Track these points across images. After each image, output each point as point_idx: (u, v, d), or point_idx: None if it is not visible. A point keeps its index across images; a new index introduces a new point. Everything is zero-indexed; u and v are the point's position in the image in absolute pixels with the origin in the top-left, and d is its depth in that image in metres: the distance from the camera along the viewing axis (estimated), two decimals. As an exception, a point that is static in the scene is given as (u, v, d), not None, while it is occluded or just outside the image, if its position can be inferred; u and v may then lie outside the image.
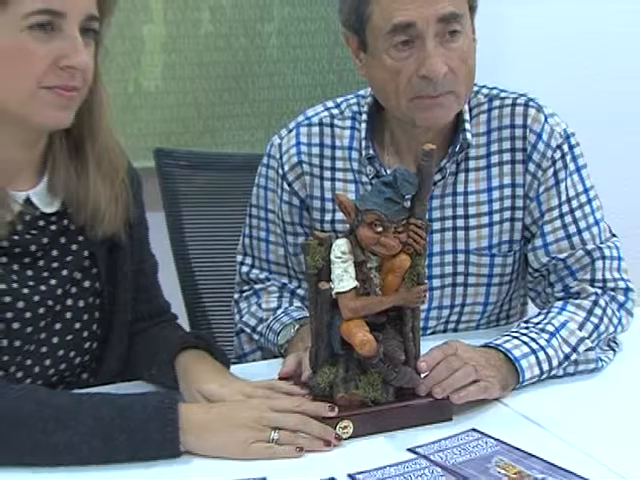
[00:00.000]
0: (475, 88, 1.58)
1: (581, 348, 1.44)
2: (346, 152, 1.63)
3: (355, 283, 1.22)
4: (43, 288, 1.37)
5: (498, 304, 1.65)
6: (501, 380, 1.34)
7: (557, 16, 2.84)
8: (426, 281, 1.28)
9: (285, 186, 1.65)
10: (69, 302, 1.40)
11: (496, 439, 1.22)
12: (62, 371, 1.41)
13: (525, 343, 1.40)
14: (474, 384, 1.29)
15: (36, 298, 1.35)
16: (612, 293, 1.54)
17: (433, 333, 1.63)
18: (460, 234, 1.59)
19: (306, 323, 1.49)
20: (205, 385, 1.31)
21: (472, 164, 1.58)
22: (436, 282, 1.60)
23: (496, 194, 1.58)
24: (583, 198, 1.57)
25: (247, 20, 2.63)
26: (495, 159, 1.58)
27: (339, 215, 1.52)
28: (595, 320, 1.49)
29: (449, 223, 1.59)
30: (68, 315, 1.40)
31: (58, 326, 1.39)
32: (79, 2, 1.27)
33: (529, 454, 1.17)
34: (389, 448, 1.21)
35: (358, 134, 1.61)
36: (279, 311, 1.64)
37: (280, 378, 1.38)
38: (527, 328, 1.44)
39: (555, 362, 1.41)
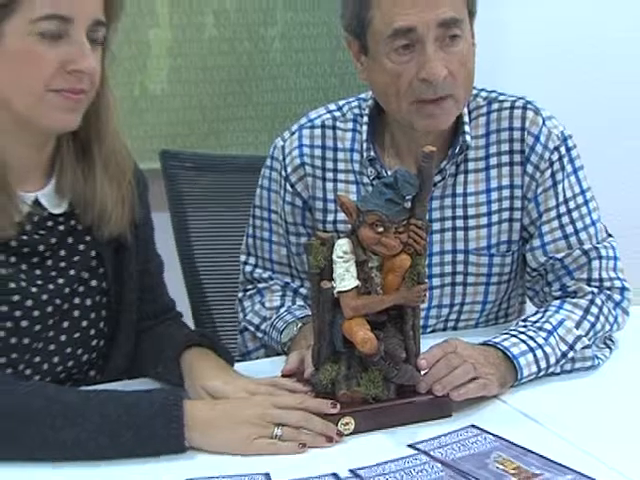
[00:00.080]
0: (474, 91, 1.58)
1: (578, 346, 1.44)
2: (348, 154, 1.63)
3: (357, 282, 1.23)
4: (51, 287, 1.37)
5: (497, 303, 1.65)
6: (500, 377, 1.34)
7: (556, 21, 2.83)
8: (426, 280, 1.28)
9: (288, 187, 1.65)
10: (76, 301, 1.41)
11: (495, 435, 1.22)
12: (70, 368, 1.41)
13: (523, 341, 1.40)
14: (473, 381, 1.29)
15: (44, 297, 1.35)
16: (608, 292, 1.54)
17: (433, 331, 1.63)
18: (459, 234, 1.59)
19: (308, 321, 1.49)
20: (209, 382, 1.31)
21: (471, 166, 1.58)
22: (436, 281, 1.60)
23: (495, 195, 1.58)
24: (580, 199, 1.57)
25: (251, 24, 2.63)
26: (494, 161, 1.58)
27: (341, 215, 1.52)
28: (592, 319, 1.49)
29: (449, 223, 1.59)
30: (76, 313, 1.40)
31: (66, 324, 1.39)
32: (86, 8, 1.27)
33: (527, 450, 1.17)
34: (390, 444, 1.21)
35: (359, 136, 1.62)
36: (282, 310, 1.64)
37: (283, 375, 1.37)
38: (525, 326, 1.44)
39: (553, 360, 1.41)
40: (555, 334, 1.43)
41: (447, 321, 1.65)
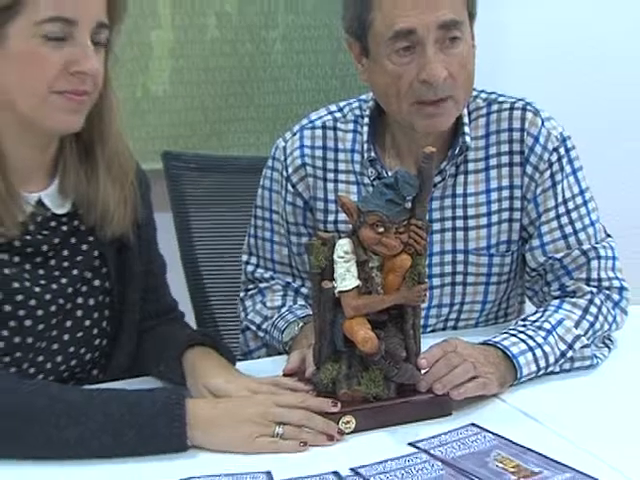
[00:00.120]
0: (474, 93, 1.58)
1: (577, 345, 1.44)
2: (348, 155, 1.63)
3: (357, 282, 1.22)
4: (54, 287, 1.37)
5: (496, 302, 1.65)
6: (499, 377, 1.34)
7: (555, 23, 2.82)
8: (426, 280, 1.28)
9: (289, 187, 1.65)
10: (79, 300, 1.41)
11: (494, 434, 1.22)
12: (73, 367, 1.41)
13: (523, 340, 1.40)
14: (473, 380, 1.29)
15: (48, 296, 1.35)
16: (607, 292, 1.54)
17: (433, 331, 1.63)
18: (459, 234, 1.59)
19: (310, 321, 1.49)
20: (212, 381, 1.31)
21: (471, 166, 1.58)
22: (436, 281, 1.60)
23: (494, 196, 1.58)
24: (579, 200, 1.57)
25: (252, 26, 2.63)
26: (493, 162, 1.58)
27: (342, 216, 1.52)
28: (590, 318, 1.49)
29: (449, 224, 1.59)
30: (79, 313, 1.40)
31: (69, 324, 1.39)
32: (90, 10, 1.27)
33: (526, 448, 1.17)
34: (390, 442, 1.21)
35: (360, 137, 1.62)
36: (283, 309, 1.64)
37: (284, 374, 1.37)
38: (524, 326, 1.44)
39: (552, 359, 1.41)
40: (554, 333, 1.43)
41: (447, 320, 1.65)
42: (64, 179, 1.38)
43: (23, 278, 1.33)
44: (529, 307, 1.67)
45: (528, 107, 1.57)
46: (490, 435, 1.21)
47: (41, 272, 1.36)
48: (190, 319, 1.78)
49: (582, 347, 1.45)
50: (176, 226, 2.02)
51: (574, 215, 1.56)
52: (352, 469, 1.14)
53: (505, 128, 1.57)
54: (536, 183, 1.56)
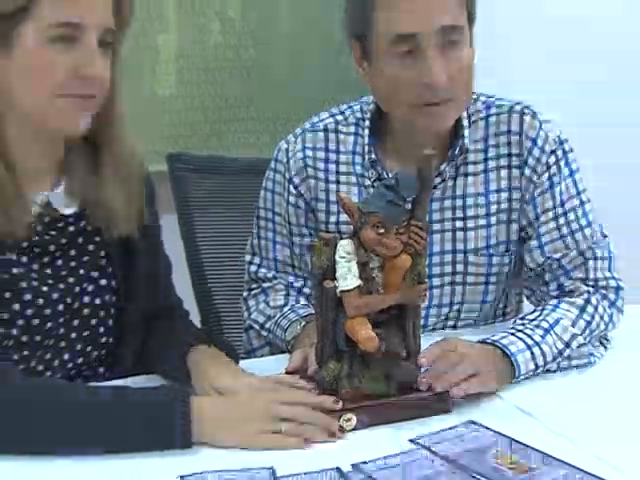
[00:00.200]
0: (473, 96, 1.58)
1: (574, 344, 1.44)
2: (350, 157, 1.63)
3: (359, 282, 1.23)
4: (62, 286, 1.37)
5: (495, 302, 1.65)
6: (498, 374, 1.34)
7: (554, 25, 2.82)
8: (426, 280, 1.28)
9: (291, 189, 1.65)
10: (86, 299, 1.41)
11: (493, 430, 1.22)
12: (80, 365, 1.41)
13: (521, 339, 1.40)
14: (472, 378, 1.29)
15: (55, 296, 1.36)
16: (604, 291, 1.54)
17: (433, 330, 1.63)
18: (459, 235, 1.59)
19: (312, 320, 1.48)
20: (216, 379, 1.31)
21: (470, 168, 1.58)
22: (436, 281, 1.60)
23: (493, 197, 1.58)
24: (576, 201, 1.57)
25: (255, 30, 2.63)
26: (492, 164, 1.58)
27: (343, 217, 1.52)
28: (587, 317, 1.49)
29: (448, 224, 1.59)
30: (85, 312, 1.41)
31: (76, 322, 1.39)
32: (98, 15, 1.27)
33: (524, 445, 1.17)
34: (391, 439, 1.21)
35: (361, 139, 1.62)
36: (286, 308, 1.64)
37: (287, 372, 1.38)
38: (523, 325, 1.44)
39: (549, 357, 1.41)
40: (552, 332, 1.43)
41: (447, 320, 1.65)
42: (71, 180, 1.38)
43: (31, 277, 1.33)
44: (527, 306, 1.66)
45: (526, 110, 1.58)
46: (489, 432, 1.21)
47: (48, 272, 1.36)
48: (195, 318, 1.78)
49: (579, 346, 1.45)
50: (181, 227, 2.02)
51: (571, 216, 1.56)
52: (354, 465, 1.13)
53: (504, 131, 1.57)
54: (534, 185, 1.56)
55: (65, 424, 1.17)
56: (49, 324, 1.35)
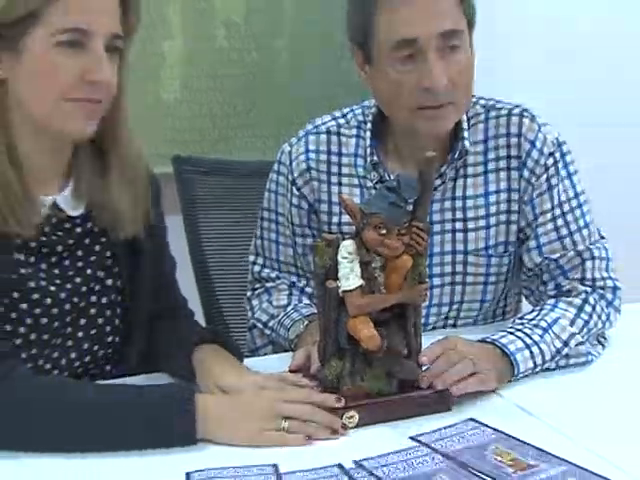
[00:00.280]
0: (473, 99, 1.58)
1: (572, 343, 1.44)
2: (352, 159, 1.63)
3: (361, 282, 1.22)
4: (69, 286, 1.37)
5: (494, 301, 1.65)
6: (497, 373, 1.33)
7: (553, 28, 2.81)
8: (427, 280, 1.28)
9: (294, 191, 1.65)
10: (93, 299, 1.41)
11: (492, 428, 1.22)
12: (86, 363, 1.41)
13: (520, 338, 1.39)
14: (472, 377, 1.29)
15: (62, 295, 1.36)
16: (601, 291, 1.54)
17: (433, 329, 1.63)
18: (459, 236, 1.59)
19: (314, 319, 1.48)
20: (220, 377, 1.31)
21: (470, 170, 1.58)
22: (436, 281, 1.60)
23: (493, 198, 1.58)
24: (574, 202, 1.56)
25: (259, 36, 2.63)
26: (492, 166, 1.58)
27: (345, 218, 1.52)
28: (585, 317, 1.48)
29: (448, 225, 1.59)
30: (92, 311, 1.40)
31: (83, 321, 1.39)
32: (105, 22, 1.27)
33: (523, 442, 1.17)
34: (392, 436, 1.21)
35: (363, 142, 1.61)
36: (289, 308, 1.64)
37: (290, 371, 1.37)
38: (522, 324, 1.44)
39: (548, 356, 1.41)
40: (550, 331, 1.43)
41: (447, 319, 1.64)
42: (78, 183, 1.38)
43: (39, 277, 1.33)
44: (526, 306, 1.66)
45: (525, 113, 1.57)
46: (488, 429, 1.21)
47: (56, 272, 1.36)
48: (199, 317, 1.78)
49: (577, 344, 1.45)
50: (186, 228, 2.02)
51: (569, 217, 1.55)
52: (355, 462, 1.13)
53: (503, 133, 1.57)
54: (533, 186, 1.56)
55: (71, 422, 1.17)
56: (56, 323, 1.35)
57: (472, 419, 1.25)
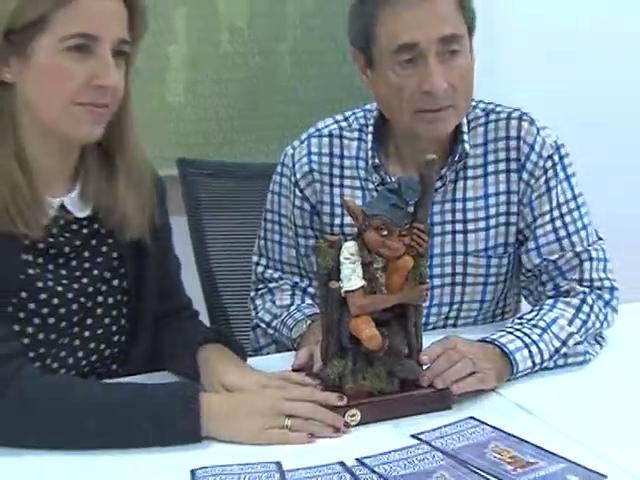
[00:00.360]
0: (473, 103, 1.58)
1: (570, 342, 1.44)
2: (354, 161, 1.63)
3: (362, 282, 1.22)
4: (76, 286, 1.37)
5: (494, 302, 1.65)
6: (497, 372, 1.33)
7: (553, 28, 2.80)
8: (427, 280, 1.28)
9: (297, 192, 1.65)
10: (99, 299, 1.41)
11: (492, 426, 1.21)
12: (93, 362, 1.41)
13: (519, 338, 1.39)
14: (472, 376, 1.29)
15: (69, 295, 1.36)
16: (599, 292, 1.54)
17: (434, 328, 1.63)
18: (459, 237, 1.58)
19: (317, 319, 1.48)
20: (224, 376, 1.31)
21: (470, 173, 1.58)
22: (437, 281, 1.59)
23: (492, 200, 1.57)
24: (572, 204, 1.56)
25: (262, 40, 2.63)
26: (491, 168, 1.57)
27: (347, 219, 1.52)
28: (583, 317, 1.48)
29: (449, 227, 1.58)
30: (98, 311, 1.40)
31: (89, 321, 1.39)
32: (112, 27, 1.27)
33: (522, 440, 1.17)
34: (394, 434, 1.21)
35: (365, 145, 1.61)
36: (292, 308, 1.64)
37: (293, 370, 1.37)
38: (521, 324, 1.44)
39: (546, 355, 1.40)
40: (549, 331, 1.43)
41: (447, 319, 1.64)
42: (85, 185, 1.38)
43: (46, 278, 1.33)
44: (525, 306, 1.66)
45: (524, 117, 1.57)
46: (488, 427, 1.21)
47: (63, 272, 1.36)
48: (203, 317, 1.77)
49: (575, 344, 1.45)
50: (190, 229, 2.02)
51: (567, 219, 1.55)
52: (357, 459, 1.13)
53: (502, 137, 1.57)
54: (532, 189, 1.55)
55: (78, 420, 1.17)
56: (64, 323, 1.35)
57: (472, 417, 1.25)
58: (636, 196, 2.92)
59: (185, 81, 2.58)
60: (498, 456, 1.13)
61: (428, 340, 1.33)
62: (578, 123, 2.66)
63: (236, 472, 1.10)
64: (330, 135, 1.64)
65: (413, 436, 1.20)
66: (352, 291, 1.22)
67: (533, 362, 1.39)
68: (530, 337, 1.40)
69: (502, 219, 1.58)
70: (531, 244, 1.56)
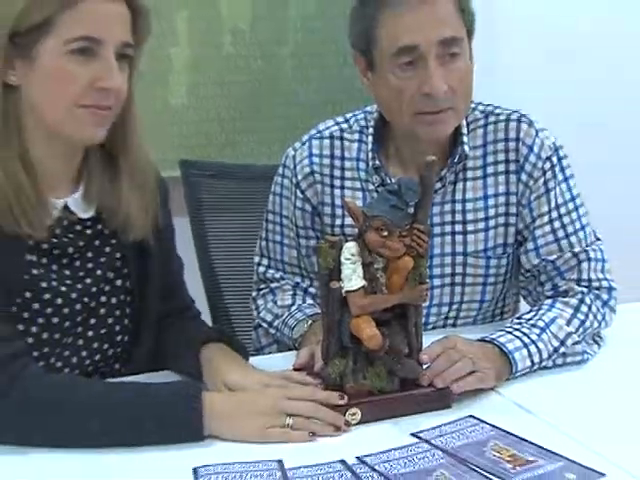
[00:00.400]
0: (472, 105, 1.58)
1: (569, 342, 1.44)
2: (354, 163, 1.63)
3: (363, 282, 1.22)
4: (79, 286, 1.37)
5: (493, 302, 1.65)
6: (496, 371, 1.33)
7: (553, 28, 2.80)
8: (427, 281, 1.28)
9: (298, 194, 1.65)
10: (103, 299, 1.41)
11: (491, 425, 1.21)
12: (97, 361, 1.41)
13: (518, 337, 1.39)
14: (471, 375, 1.29)
15: (73, 295, 1.36)
16: (597, 292, 1.54)
17: (434, 328, 1.63)
18: (458, 238, 1.58)
19: (318, 319, 1.48)
20: (227, 375, 1.31)
21: (469, 174, 1.58)
22: (436, 282, 1.59)
23: (491, 202, 1.58)
24: (570, 205, 1.56)
25: (264, 43, 2.63)
26: (490, 170, 1.58)
27: (348, 220, 1.52)
28: (581, 316, 1.48)
29: (448, 228, 1.58)
30: (102, 311, 1.41)
31: (93, 321, 1.39)
32: (116, 31, 1.27)
33: (521, 438, 1.17)
34: (394, 433, 1.21)
35: (365, 146, 1.61)
36: (293, 308, 1.64)
37: (295, 369, 1.37)
38: (520, 324, 1.44)
39: (545, 355, 1.41)
40: (547, 331, 1.43)
41: (447, 319, 1.64)
42: (89, 186, 1.38)
43: (50, 278, 1.33)
44: (524, 306, 1.66)
45: (523, 119, 1.57)
46: (487, 426, 1.21)
47: (67, 272, 1.36)
48: (206, 317, 1.78)
49: (573, 343, 1.45)
50: (193, 230, 2.02)
51: (566, 220, 1.55)
52: (358, 458, 1.13)
53: (501, 138, 1.57)
54: (530, 190, 1.56)
55: (81, 419, 1.17)
56: (67, 323, 1.35)
57: (471, 416, 1.25)
58: (636, 196, 2.91)
59: (188, 83, 2.58)
60: (497, 454, 1.13)
61: (428, 340, 1.33)
62: (578, 123, 2.66)
63: (238, 470, 1.10)
64: (331, 137, 1.64)
65: (413, 434, 1.20)
66: (353, 291, 1.22)
67: (532, 361, 1.39)
68: (529, 337, 1.40)
69: (501, 220, 1.58)
70: (530, 245, 1.56)
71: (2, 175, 1.26)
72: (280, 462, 1.12)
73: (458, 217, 1.58)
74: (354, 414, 1.23)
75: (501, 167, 1.57)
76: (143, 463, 1.14)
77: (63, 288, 1.35)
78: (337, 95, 2.65)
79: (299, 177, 1.64)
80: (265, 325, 1.69)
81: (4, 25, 1.24)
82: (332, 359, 1.27)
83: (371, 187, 1.60)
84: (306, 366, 1.36)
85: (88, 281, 1.38)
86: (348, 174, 1.63)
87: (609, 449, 1.14)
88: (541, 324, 1.44)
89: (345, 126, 1.65)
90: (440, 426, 1.22)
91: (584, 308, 1.49)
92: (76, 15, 1.24)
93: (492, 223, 1.58)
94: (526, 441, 1.16)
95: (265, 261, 1.73)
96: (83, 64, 1.25)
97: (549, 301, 1.52)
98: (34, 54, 1.25)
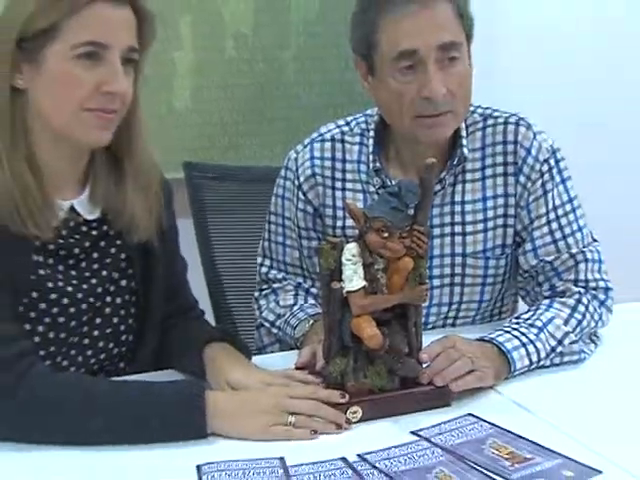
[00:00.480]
0: (471, 108, 1.58)
1: (566, 341, 1.44)
2: (355, 165, 1.63)
3: (364, 283, 1.22)
4: (85, 286, 1.37)
5: (492, 302, 1.65)
6: (495, 370, 1.33)
7: (553, 29, 2.80)
8: (427, 281, 1.28)
9: (300, 195, 1.65)
10: (108, 299, 1.41)
11: (490, 423, 1.22)
12: (102, 360, 1.41)
13: (516, 337, 1.39)
14: (471, 374, 1.29)
15: (79, 295, 1.36)
16: (594, 292, 1.54)
17: (433, 328, 1.63)
18: (458, 239, 1.58)
19: (319, 319, 1.48)
20: (230, 374, 1.31)
21: (468, 176, 1.58)
22: (436, 282, 1.59)
23: (490, 203, 1.58)
24: (568, 207, 1.56)
25: (267, 47, 2.63)
26: (489, 172, 1.58)
27: (349, 221, 1.52)
28: (578, 316, 1.48)
29: (448, 229, 1.58)
30: (107, 311, 1.41)
31: (98, 320, 1.39)
32: (121, 36, 1.27)
33: (519, 436, 1.17)
34: (394, 431, 1.21)
35: (366, 149, 1.61)
36: (295, 308, 1.64)
37: (296, 368, 1.38)
38: (518, 323, 1.44)
39: (543, 354, 1.41)
40: (545, 330, 1.43)
41: (446, 318, 1.64)
42: (95, 188, 1.38)
43: (57, 278, 1.33)
44: (522, 306, 1.66)
45: (521, 122, 1.57)
46: (486, 424, 1.21)
47: (73, 273, 1.36)
48: (209, 317, 1.77)
49: (571, 343, 1.45)
50: (196, 230, 2.02)
51: (563, 221, 1.55)
52: (359, 455, 1.14)
53: (500, 141, 1.57)
54: (528, 192, 1.56)
55: (86, 417, 1.17)
56: (73, 322, 1.35)
57: (471, 414, 1.25)
58: (635, 196, 2.90)
59: (191, 87, 2.58)
60: (496, 452, 1.13)
61: (428, 339, 1.33)
62: (577, 123, 2.66)
63: (241, 467, 1.10)
64: (332, 140, 1.64)
65: (413, 432, 1.20)
66: (354, 291, 1.22)
67: (530, 360, 1.39)
68: (527, 336, 1.40)
69: (500, 221, 1.58)
70: (528, 246, 1.56)
71: (9, 177, 1.26)
72: (282, 459, 1.12)
73: (457, 218, 1.58)
74: (355, 412, 1.23)
75: (499, 169, 1.57)
76: (147, 461, 1.14)
77: (69, 288, 1.35)
78: (338, 98, 2.65)
79: (301, 179, 1.64)
80: (267, 325, 1.69)
81: (12, 30, 1.25)
82: (333, 358, 1.27)
83: (372, 189, 1.60)
84: (308, 365, 1.36)
85: (94, 281, 1.38)
86: (349, 176, 1.63)
87: (606, 447, 1.14)
88: (539, 324, 1.44)
89: (346, 129, 1.65)
90: (440, 424, 1.22)
91: (581, 308, 1.49)
92: (82, 20, 1.24)
93: (491, 224, 1.58)
94: (524, 439, 1.16)
95: (267, 262, 1.74)
96: (89, 68, 1.26)
97: (547, 301, 1.52)
98: (41, 58, 1.25)
